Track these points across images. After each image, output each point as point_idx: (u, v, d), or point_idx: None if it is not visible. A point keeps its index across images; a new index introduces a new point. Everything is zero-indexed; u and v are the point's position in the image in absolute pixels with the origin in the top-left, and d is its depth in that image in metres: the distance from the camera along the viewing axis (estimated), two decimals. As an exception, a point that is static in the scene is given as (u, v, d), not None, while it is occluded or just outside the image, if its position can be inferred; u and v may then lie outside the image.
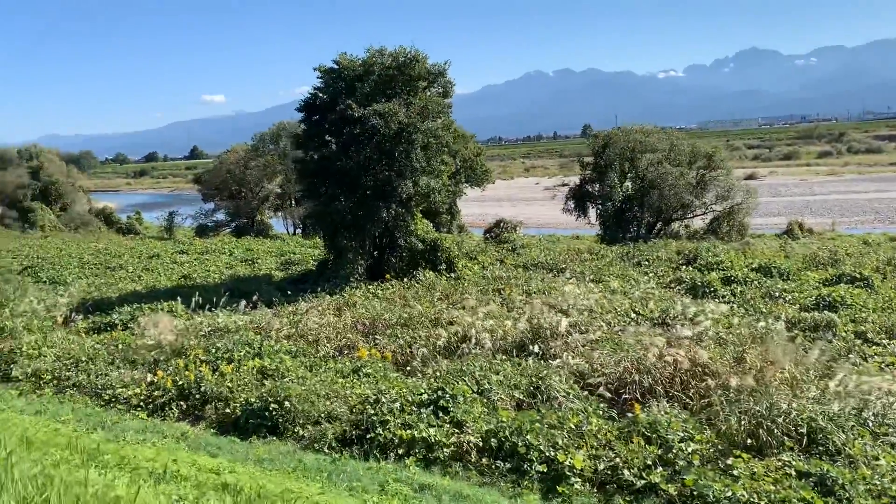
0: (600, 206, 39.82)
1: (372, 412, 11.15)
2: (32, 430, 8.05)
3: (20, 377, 15.30)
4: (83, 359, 15.76)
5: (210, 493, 5.87)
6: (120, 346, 16.59)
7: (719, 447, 9.86)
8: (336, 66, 25.09)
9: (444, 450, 10.23)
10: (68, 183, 65.81)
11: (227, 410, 12.39)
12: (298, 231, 49.95)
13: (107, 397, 13.75)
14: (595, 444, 10.07)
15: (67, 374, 15.13)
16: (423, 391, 11.80)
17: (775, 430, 9.91)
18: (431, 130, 24.13)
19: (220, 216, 52.24)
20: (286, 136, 48.00)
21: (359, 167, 23.92)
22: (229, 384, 13.08)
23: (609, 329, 15.83)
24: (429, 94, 26.05)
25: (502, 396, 11.89)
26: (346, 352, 15.97)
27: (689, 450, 9.55)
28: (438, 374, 12.79)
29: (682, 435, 9.92)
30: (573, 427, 10.48)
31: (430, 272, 24.55)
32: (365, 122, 23.52)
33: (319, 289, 22.60)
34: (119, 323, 19.07)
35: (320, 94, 25.25)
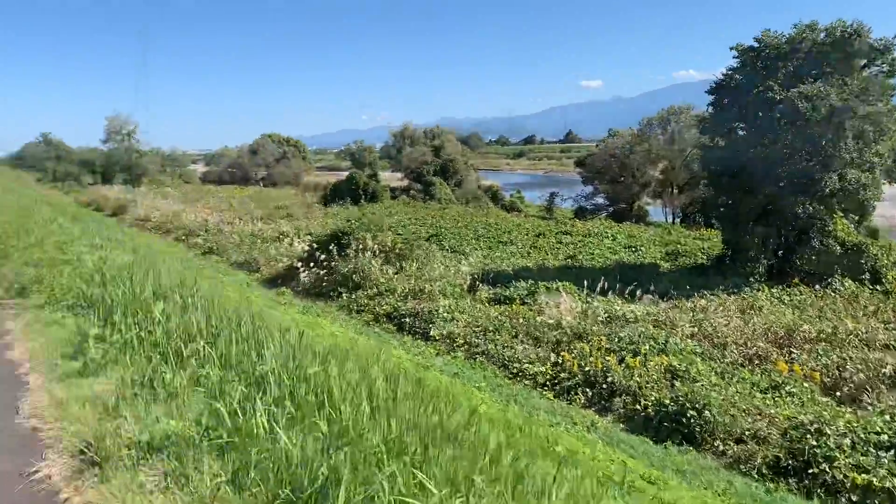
0: None
1: (814, 443, 9.54)
2: (476, 402, 8.25)
3: (437, 337, 16.71)
4: (490, 328, 16.63)
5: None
6: (521, 321, 17.15)
7: None
8: (756, 45, 22.77)
9: (918, 511, 8.25)
10: (462, 161, 72.68)
11: (637, 407, 11.80)
12: (678, 220, 47.89)
13: (514, 370, 14.22)
14: None
15: (476, 340, 16.10)
16: (879, 429, 9.77)
17: None
18: (871, 116, 20.48)
19: (600, 200, 52.51)
20: (675, 121, 46.11)
21: (774, 156, 21.46)
22: (637, 379, 12.48)
23: None
24: (867, 73, 22.28)
25: None
26: (755, 361, 14.37)
27: None
28: (897, 411, 10.52)
29: None
30: None
31: (850, 281, 21.13)
32: (786, 105, 20.93)
33: (720, 286, 20.83)
34: (517, 297, 19.76)
35: (735, 76, 23.19)
